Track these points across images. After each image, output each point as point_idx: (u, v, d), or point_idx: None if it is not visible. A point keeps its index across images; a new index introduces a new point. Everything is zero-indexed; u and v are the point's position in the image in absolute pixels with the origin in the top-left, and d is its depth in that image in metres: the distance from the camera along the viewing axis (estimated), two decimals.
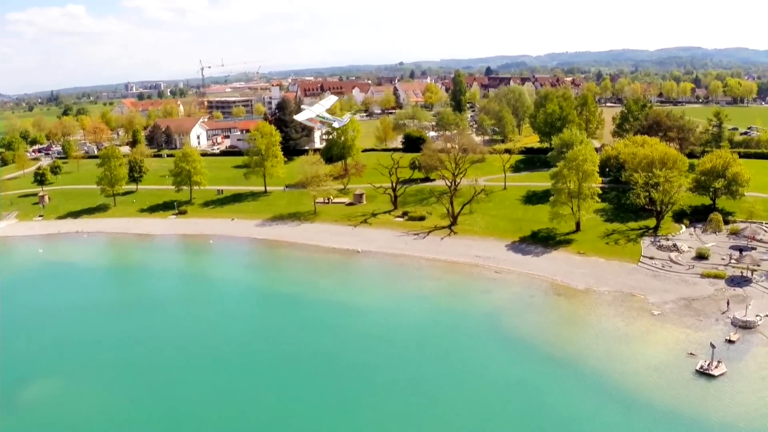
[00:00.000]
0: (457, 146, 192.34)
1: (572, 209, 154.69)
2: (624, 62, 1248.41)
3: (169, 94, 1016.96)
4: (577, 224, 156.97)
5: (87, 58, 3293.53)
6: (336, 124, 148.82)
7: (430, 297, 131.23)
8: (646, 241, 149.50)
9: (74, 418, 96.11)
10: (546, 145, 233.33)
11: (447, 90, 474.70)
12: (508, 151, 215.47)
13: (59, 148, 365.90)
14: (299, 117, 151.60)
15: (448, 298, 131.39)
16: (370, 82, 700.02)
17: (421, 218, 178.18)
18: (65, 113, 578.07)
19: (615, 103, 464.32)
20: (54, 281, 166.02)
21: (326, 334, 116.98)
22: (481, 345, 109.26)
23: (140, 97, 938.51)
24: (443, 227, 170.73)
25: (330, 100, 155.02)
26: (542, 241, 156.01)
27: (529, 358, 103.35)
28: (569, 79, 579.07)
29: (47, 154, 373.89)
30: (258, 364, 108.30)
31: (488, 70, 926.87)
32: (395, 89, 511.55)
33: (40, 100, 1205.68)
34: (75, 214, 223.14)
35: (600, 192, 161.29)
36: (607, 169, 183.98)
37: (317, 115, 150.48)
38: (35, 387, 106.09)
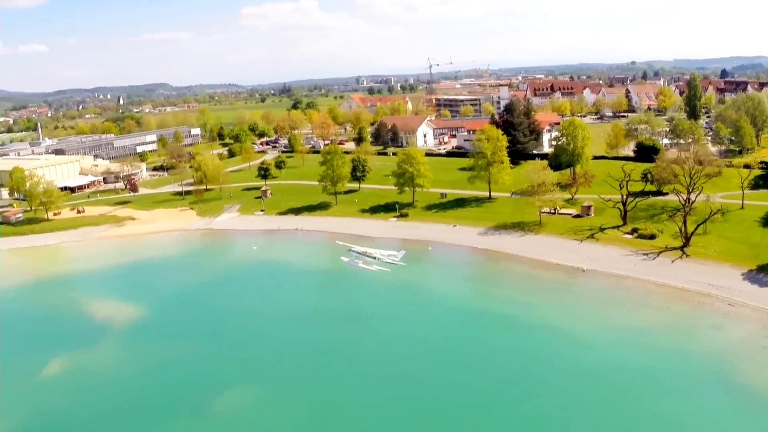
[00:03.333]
0: (692, 158, 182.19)
1: None
2: None
3: (399, 88, 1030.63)
4: None
5: (317, 51, 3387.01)
6: (389, 259, 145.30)
7: (652, 330, 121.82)
8: None
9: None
10: None
11: (681, 93, 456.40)
12: (747, 166, 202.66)
13: (286, 142, 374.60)
14: (341, 240, 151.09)
15: (673, 332, 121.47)
16: (601, 82, 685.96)
17: (652, 236, 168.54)
18: (295, 106, 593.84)
19: None
20: (262, 281, 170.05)
21: (534, 366, 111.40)
22: (706, 395, 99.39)
23: (370, 91, 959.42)
24: (674, 248, 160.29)
25: (390, 250, 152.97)
26: None
27: (763, 417, 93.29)
28: None
29: (274, 147, 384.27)
30: (456, 393, 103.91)
31: (723, 72, 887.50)
32: (627, 92, 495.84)
33: (272, 92, 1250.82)
34: (296, 211, 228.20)
35: None
36: None
37: (364, 254, 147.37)
38: (231, 393, 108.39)
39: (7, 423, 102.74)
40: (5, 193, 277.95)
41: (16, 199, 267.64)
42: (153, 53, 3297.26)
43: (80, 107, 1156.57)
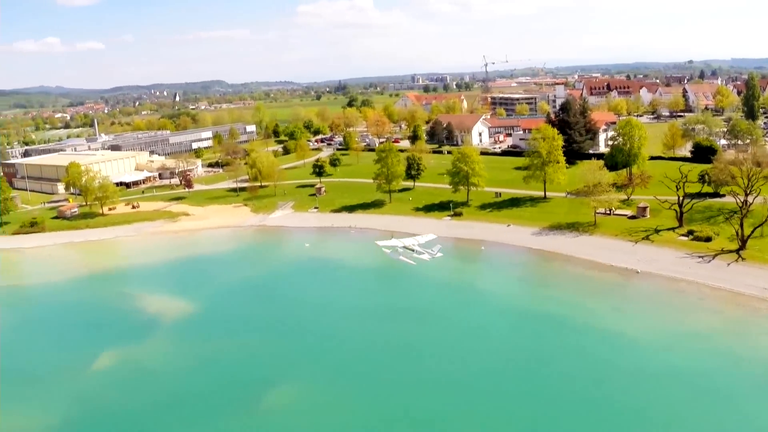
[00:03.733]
0: (750, 159, 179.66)
1: None
2: None
3: (454, 87, 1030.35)
4: None
5: (372, 49, 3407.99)
6: (426, 256, 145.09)
7: (707, 334, 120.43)
8: None
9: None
10: None
11: (738, 93, 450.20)
12: None
13: (341, 139, 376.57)
14: (382, 243, 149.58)
15: (728, 336, 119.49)
16: (658, 81, 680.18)
17: (708, 239, 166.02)
18: (350, 104, 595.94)
19: None
20: (313, 278, 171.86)
21: (587, 367, 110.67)
22: (759, 400, 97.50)
23: (426, 89, 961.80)
24: (730, 251, 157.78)
25: (427, 237, 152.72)
26: None
27: None
28: None
29: (329, 144, 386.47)
30: (508, 391, 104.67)
31: None
32: (684, 91, 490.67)
33: (328, 89, 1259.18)
34: (350, 209, 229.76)
35: None
36: None
37: (404, 247, 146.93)
38: (279, 390, 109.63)
39: (59, 414, 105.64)
40: (61, 188, 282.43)
41: (72, 193, 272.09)
42: (209, 51, 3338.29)
43: (136, 104, 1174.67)
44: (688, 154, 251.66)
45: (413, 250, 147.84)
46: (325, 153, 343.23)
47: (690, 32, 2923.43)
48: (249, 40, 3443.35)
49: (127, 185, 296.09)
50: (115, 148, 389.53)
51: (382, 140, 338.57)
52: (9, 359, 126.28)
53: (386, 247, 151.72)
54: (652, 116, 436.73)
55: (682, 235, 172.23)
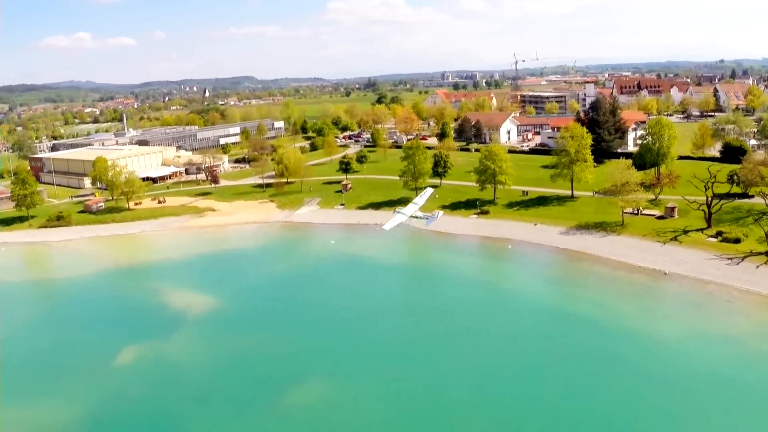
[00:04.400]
0: None
1: None
2: None
3: (484, 84, 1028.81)
4: None
5: (403, 46, 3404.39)
6: (426, 223, 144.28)
7: (738, 337, 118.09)
8: None
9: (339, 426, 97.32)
10: None
11: None
12: None
13: (368, 136, 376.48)
14: (388, 226, 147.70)
15: (758, 340, 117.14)
16: (689, 80, 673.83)
17: (737, 240, 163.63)
18: (379, 101, 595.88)
19: None
20: (338, 275, 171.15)
21: (616, 369, 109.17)
22: None
23: (455, 86, 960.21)
24: (759, 253, 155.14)
25: (426, 193, 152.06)
26: None
27: None
28: None
29: (357, 141, 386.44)
30: (542, 393, 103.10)
31: None
32: (715, 90, 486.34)
33: (357, 86, 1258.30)
34: (376, 206, 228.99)
35: None
36: None
37: (410, 216, 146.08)
38: (304, 387, 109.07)
39: (83, 407, 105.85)
40: (88, 182, 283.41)
41: (99, 188, 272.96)
42: (240, 47, 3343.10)
43: (166, 99, 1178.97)
44: (718, 155, 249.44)
45: (417, 217, 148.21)
46: (353, 150, 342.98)
47: (721, 31, 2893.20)
48: (280, 36, 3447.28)
49: (154, 180, 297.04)
50: (142, 143, 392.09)
51: (410, 137, 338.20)
52: (35, 352, 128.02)
53: (393, 225, 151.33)
54: (682, 116, 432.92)
55: (711, 236, 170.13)
